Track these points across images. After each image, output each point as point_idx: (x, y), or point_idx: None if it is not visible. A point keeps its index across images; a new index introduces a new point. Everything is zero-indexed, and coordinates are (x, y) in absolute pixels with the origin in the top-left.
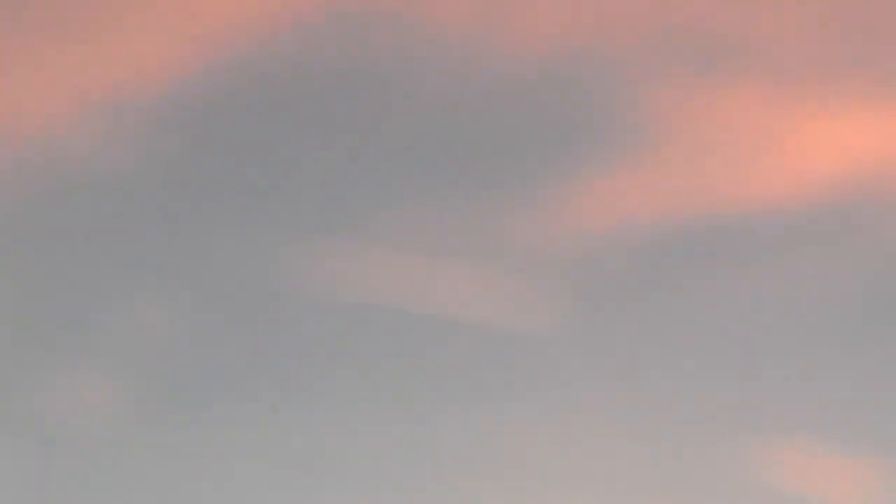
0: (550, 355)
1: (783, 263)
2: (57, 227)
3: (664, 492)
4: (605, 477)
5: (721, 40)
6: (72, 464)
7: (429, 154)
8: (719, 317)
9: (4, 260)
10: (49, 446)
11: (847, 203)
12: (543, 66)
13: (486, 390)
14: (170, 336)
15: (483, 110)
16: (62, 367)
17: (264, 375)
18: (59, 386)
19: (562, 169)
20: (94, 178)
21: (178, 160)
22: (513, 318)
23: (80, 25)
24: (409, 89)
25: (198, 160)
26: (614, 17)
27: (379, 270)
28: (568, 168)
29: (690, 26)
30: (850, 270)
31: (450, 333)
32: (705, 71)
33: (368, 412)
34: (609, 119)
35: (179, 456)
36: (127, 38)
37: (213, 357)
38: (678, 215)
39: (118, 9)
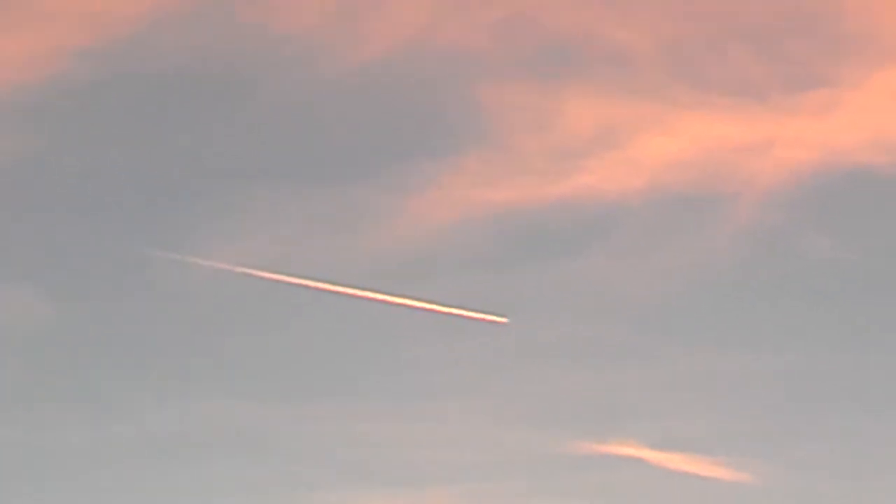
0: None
1: (628, 252)
2: None
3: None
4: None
5: (563, 41)
6: None
7: (276, 144)
8: (561, 308)
9: None
10: None
11: (687, 193)
12: (386, 63)
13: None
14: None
15: (328, 105)
16: None
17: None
18: None
19: (405, 162)
20: None
21: (43, 150)
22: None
23: None
24: (259, 85)
25: (64, 150)
26: (457, 18)
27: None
28: (411, 161)
29: (534, 27)
30: (697, 257)
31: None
32: (548, 70)
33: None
34: (454, 115)
35: None
36: None
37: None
38: (521, 207)
39: None
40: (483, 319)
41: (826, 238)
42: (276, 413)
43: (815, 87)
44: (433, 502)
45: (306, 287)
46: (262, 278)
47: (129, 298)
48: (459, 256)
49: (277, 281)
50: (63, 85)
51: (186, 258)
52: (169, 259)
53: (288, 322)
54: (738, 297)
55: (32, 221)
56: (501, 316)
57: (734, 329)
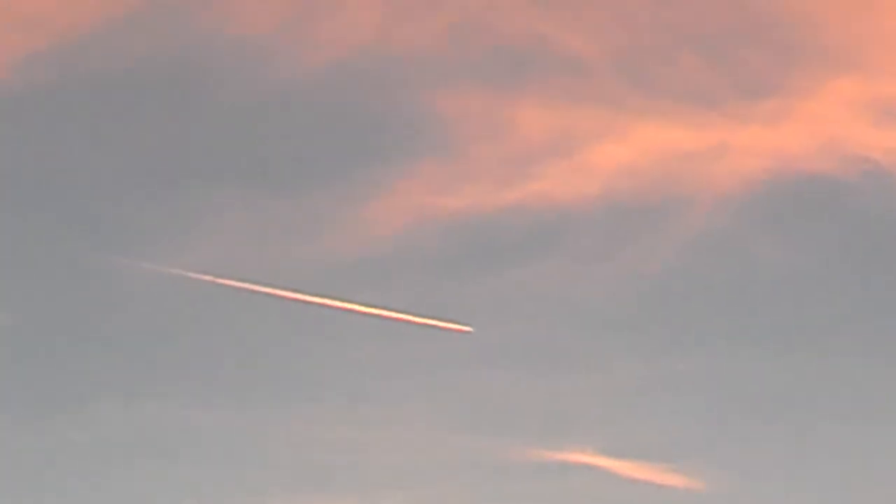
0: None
1: (581, 259)
2: None
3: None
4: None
5: (516, 47)
6: None
7: (228, 149)
8: (514, 315)
9: None
10: None
11: (640, 200)
12: (339, 68)
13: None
14: None
15: (281, 110)
16: None
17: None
18: None
19: (358, 168)
20: None
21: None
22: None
23: None
24: (212, 89)
25: (12, 154)
26: (410, 23)
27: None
28: (364, 167)
29: (487, 33)
30: (650, 264)
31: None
32: (501, 76)
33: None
34: (407, 121)
35: None
36: None
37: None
38: (475, 214)
39: None
40: (442, 327)
41: (778, 244)
42: (229, 418)
43: (767, 95)
44: None
45: (259, 293)
46: (215, 284)
47: (80, 303)
48: (412, 263)
49: (231, 287)
50: (12, 89)
51: (139, 263)
52: (121, 264)
53: (241, 328)
54: (691, 303)
55: None
56: (457, 323)
57: (687, 335)
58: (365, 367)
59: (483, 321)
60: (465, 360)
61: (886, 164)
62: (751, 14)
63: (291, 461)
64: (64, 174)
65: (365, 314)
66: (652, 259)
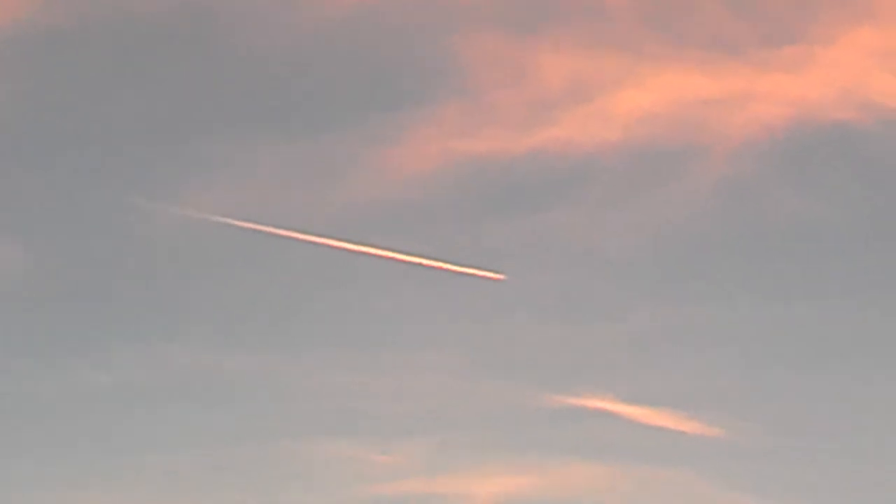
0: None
1: (600, 205)
2: None
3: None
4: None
5: None
6: None
7: (252, 93)
8: (533, 261)
9: None
10: None
11: (659, 147)
12: (361, 14)
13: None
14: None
15: (305, 55)
16: None
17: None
18: None
19: (381, 113)
20: None
21: (16, 98)
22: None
23: None
24: (236, 34)
25: (38, 98)
26: None
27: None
28: (387, 112)
29: None
30: (670, 211)
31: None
32: (523, 22)
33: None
34: (430, 66)
35: None
36: None
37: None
38: (496, 159)
39: None
40: (475, 274)
41: (797, 192)
42: (253, 362)
43: (788, 43)
44: (404, 453)
45: (282, 237)
46: (240, 227)
47: (106, 247)
48: (432, 207)
49: (255, 230)
50: (37, 30)
51: (163, 206)
52: (146, 207)
53: (264, 272)
54: (711, 251)
55: (8, 170)
56: (480, 268)
57: (707, 283)
58: (384, 311)
59: (502, 266)
60: (484, 307)
61: None
62: None
63: (315, 406)
64: (89, 118)
65: (386, 259)
66: (671, 207)
